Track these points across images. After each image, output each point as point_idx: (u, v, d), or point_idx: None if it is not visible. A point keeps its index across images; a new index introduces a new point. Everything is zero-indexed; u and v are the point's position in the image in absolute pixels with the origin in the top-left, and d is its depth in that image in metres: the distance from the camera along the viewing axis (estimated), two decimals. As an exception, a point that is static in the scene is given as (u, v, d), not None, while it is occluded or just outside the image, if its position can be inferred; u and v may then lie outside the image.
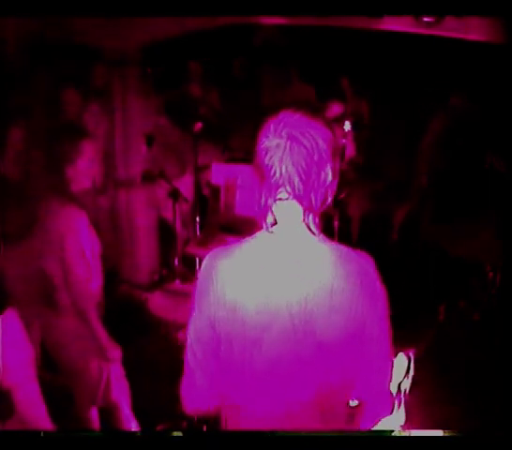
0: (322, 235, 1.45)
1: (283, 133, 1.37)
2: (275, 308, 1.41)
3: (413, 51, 5.28)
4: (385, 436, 1.63)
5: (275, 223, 1.43)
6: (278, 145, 1.38)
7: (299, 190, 1.39)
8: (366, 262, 1.46)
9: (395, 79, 5.50)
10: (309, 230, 1.43)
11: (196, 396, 1.53)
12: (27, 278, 2.65)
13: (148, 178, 4.45)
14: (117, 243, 4.58)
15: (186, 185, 4.49)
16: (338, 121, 4.63)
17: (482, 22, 3.65)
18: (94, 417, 2.76)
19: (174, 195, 4.15)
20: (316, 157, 1.38)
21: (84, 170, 2.58)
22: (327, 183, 1.42)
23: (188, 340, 1.51)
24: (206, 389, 1.51)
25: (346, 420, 1.56)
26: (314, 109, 1.44)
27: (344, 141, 3.89)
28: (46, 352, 2.69)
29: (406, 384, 3.19)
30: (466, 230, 4.15)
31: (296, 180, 1.38)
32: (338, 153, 1.45)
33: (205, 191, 4.45)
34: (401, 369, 3.28)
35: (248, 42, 6.06)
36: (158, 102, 4.90)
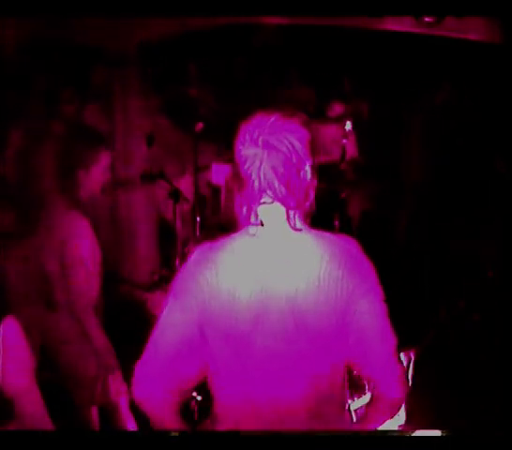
0: (305, 227, 1.48)
1: (259, 141, 1.38)
2: (266, 301, 1.42)
3: (413, 51, 5.29)
4: (385, 436, 1.63)
5: (261, 225, 1.45)
6: (255, 154, 1.39)
7: (281, 193, 1.41)
8: (349, 244, 1.51)
9: (395, 79, 5.50)
10: (294, 226, 1.45)
11: (150, 381, 1.49)
12: (26, 278, 2.65)
13: (148, 178, 4.44)
14: (117, 243, 4.58)
15: (186, 185, 4.49)
16: (339, 121, 4.63)
17: (482, 22, 3.65)
18: (93, 416, 2.76)
19: (174, 195, 4.15)
20: (295, 159, 1.40)
21: (97, 177, 2.57)
22: (308, 180, 1.45)
23: (160, 327, 1.51)
24: (161, 376, 1.49)
25: (339, 413, 1.56)
26: (288, 109, 1.44)
27: (344, 141, 3.88)
28: (45, 351, 2.69)
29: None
30: (466, 230, 4.15)
31: (277, 184, 1.40)
32: (317, 148, 1.47)
33: (205, 191, 4.45)
34: (401, 369, 3.28)
35: (248, 42, 6.06)
36: (158, 102, 4.89)
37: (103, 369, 2.60)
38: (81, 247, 2.49)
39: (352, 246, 1.51)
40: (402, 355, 3.35)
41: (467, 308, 4.17)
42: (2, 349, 1.82)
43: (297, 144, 1.40)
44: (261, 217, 1.45)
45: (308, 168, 1.44)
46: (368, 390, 1.57)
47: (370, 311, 1.48)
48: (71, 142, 2.63)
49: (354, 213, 5.49)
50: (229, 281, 1.44)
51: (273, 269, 1.44)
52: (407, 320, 4.15)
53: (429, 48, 5.00)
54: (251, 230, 1.46)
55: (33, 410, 1.93)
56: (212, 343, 1.48)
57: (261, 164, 1.39)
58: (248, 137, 1.40)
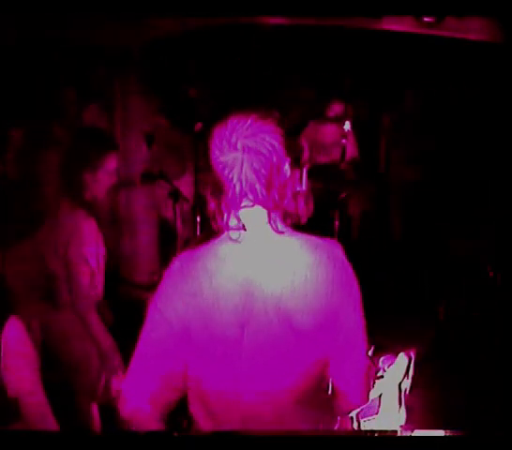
0: (288, 229, 1.47)
1: (238, 145, 1.37)
2: (251, 305, 1.42)
3: (413, 51, 5.29)
4: (386, 436, 1.63)
5: (243, 229, 1.43)
6: (234, 159, 1.38)
7: (262, 195, 1.41)
8: (335, 248, 1.48)
9: (395, 78, 5.50)
10: (276, 228, 1.44)
11: (138, 400, 1.48)
12: (29, 275, 2.66)
13: (148, 178, 4.45)
14: (117, 243, 4.58)
15: (186, 185, 4.49)
16: (339, 121, 4.63)
17: (482, 22, 3.65)
18: (94, 413, 2.76)
19: (174, 195, 4.15)
20: (275, 160, 1.40)
21: (103, 180, 2.57)
22: (287, 178, 1.45)
23: (143, 341, 1.49)
24: (148, 392, 1.48)
25: (325, 413, 1.57)
26: (262, 110, 1.43)
27: (344, 141, 3.88)
28: (47, 348, 2.69)
29: (406, 384, 3.19)
30: (466, 230, 4.15)
31: (258, 187, 1.40)
32: (291, 146, 1.47)
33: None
34: (401, 369, 3.28)
35: (248, 42, 6.06)
36: (158, 102, 4.90)
37: (106, 369, 2.60)
38: (84, 246, 2.50)
39: (337, 250, 1.49)
40: (402, 355, 3.36)
41: (467, 308, 4.17)
42: (6, 349, 1.82)
43: (276, 144, 1.40)
44: (242, 221, 1.43)
45: (287, 167, 1.45)
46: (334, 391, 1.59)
47: (354, 322, 1.48)
48: (79, 145, 2.62)
49: (354, 213, 5.49)
50: (212, 288, 1.43)
51: (258, 273, 1.43)
52: (407, 320, 4.17)
53: (429, 48, 5.00)
54: (233, 235, 1.44)
55: (37, 410, 1.93)
56: (199, 350, 1.47)
57: (242, 168, 1.37)
58: (225, 142, 1.38)
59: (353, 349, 1.50)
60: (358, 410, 1.66)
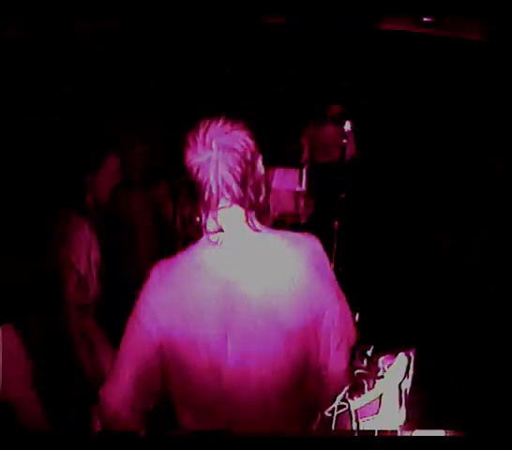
0: (264, 227, 1.47)
1: (213, 144, 1.38)
2: (234, 308, 1.42)
3: (412, 50, 5.29)
4: (386, 436, 1.63)
5: (221, 230, 1.44)
6: (209, 158, 1.38)
7: (239, 194, 1.41)
8: (313, 242, 1.50)
9: (394, 78, 5.50)
10: (254, 227, 1.44)
11: (116, 400, 1.50)
12: (30, 276, 2.65)
13: (148, 178, 4.43)
14: (117, 243, 4.57)
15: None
16: (339, 121, 4.63)
17: (480, 22, 3.65)
18: (94, 416, 2.76)
19: (175, 195, 4.14)
20: (249, 156, 1.41)
21: (104, 181, 2.57)
22: (261, 176, 1.46)
23: (123, 346, 1.52)
24: (128, 399, 1.49)
25: (314, 409, 1.57)
26: (230, 113, 1.45)
27: (344, 141, 3.88)
28: (47, 351, 2.69)
29: (406, 384, 3.19)
30: (466, 230, 4.15)
31: (235, 186, 1.40)
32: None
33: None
34: (401, 369, 3.28)
35: (247, 42, 6.06)
36: (159, 102, 4.90)
37: (103, 371, 2.60)
38: (73, 250, 2.45)
39: (316, 244, 1.50)
40: (402, 355, 3.36)
41: (467, 309, 4.17)
42: (0, 357, 1.82)
43: (249, 141, 1.42)
44: (220, 222, 1.43)
45: (260, 163, 1.46)
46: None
47: (338, 316, 1.49)
48: (79, 146, 2.60)
49: (354, 213, 5.48)
50: (194, 294, 1.43)
51: (239, 274, 1.42)
52: (407, 320, 4.17)
53: (428, 47, 5.01)
54: (213, 238, 1.44)
55: (31, 415, 1.93)
56: (183, 356, 1.46)
57: (217, 167, 1.38)
58: (199, 144, 1.39)
59: (341, 339, 1.51)
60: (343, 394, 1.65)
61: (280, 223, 4.70)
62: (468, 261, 4.15)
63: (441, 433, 1.82)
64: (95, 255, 2.56)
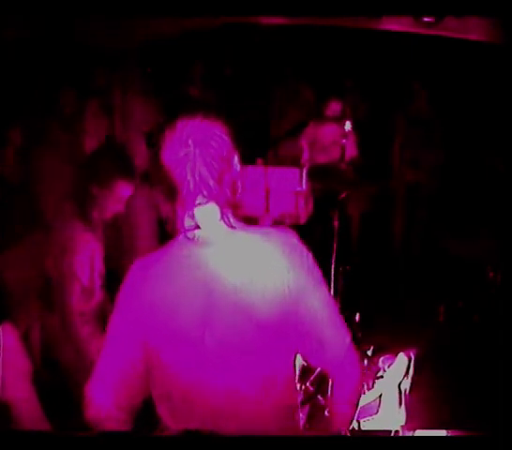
0: (240, 224, 1.49)
1: (189, 141, 1.40)
2: (212, 303, 1.43)
3: (412, 51, 5.29)
4: (387, 436, 1.63)
5: (196, 228, 1.45)
6: (186, 155, 1.40)
7: (215, 191, 1.43)
8: (288, 235, 1.51)
9: (394, 78, 5.50)
10: (229, 224, 1.46)
11: (100, 397, 1.52)
12: (26, 277, 2.65)
13: (148, 178, 4.44)
14: (117, 243, 4.57)
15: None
16: (338, 120, 4.63)
17: (482, 22, 3.65)
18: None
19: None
20: (225, 153, 1.43)
21: (110, 205, 2.46)
22: (237, 172, 1.48)
23: (106, 345, 1.53)
24: (112, 396, 1.51)
25: (292, 405, 1.58)
26: (207, 111, 1.47)
27: (344, 141, 3.87)
28: (46, 350, 2.69)
29: (406, 384, 3.19)
30: (466, 230, 4.15)
31: (211, 182, 1.42)
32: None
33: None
34: (401, 369, 3.28)
35: (247, 42, 6.06)
36: (159, 102, 4.89)
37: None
38: (75, 263, 2.40)
39: (293, 238, 1.51)
40: (402, 355, 3.36)
41: (467, 309, 4.17)
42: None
43: (225, 138, 1.43)
44: (196, 219, 1.45)
45: (236, 160, 1.48)
46: (329, 378, 1.57)
47: (321, 301, 1.49)
48: (94, 160, 2.50)
49: (354, 213, 5.48)
50: (173, 291, 1.45)
51: (216, 270, 1.44)
52: (407, 320, 4.17)
53: (429, 48, 5.00)
54: (190, 235, 1.45)
55: (30, 415, 1.93)
56: (163, 353, 1.48)
57: (194, 163, 1.40)
58: (176, 141, 1.41)
59: (332, 330, 1.50)
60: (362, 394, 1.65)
61: (280, 223, 4.71)
62: (468, 261, 4.14)
63: (440, 433, 1.82)
64: (99, 265, 2.52)
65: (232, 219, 1.47)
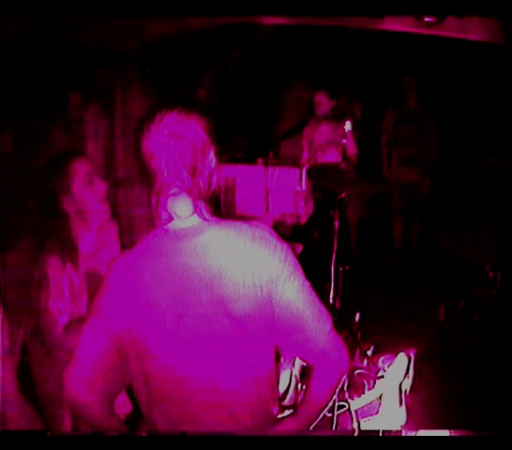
0: (213, 217, 1.51)
1: (165, 132, 1.42)
2: (187, 297, 1.44)
3: (413, 51, 5.29)
4: (388, 436, 1.63)
5: (171, 219, 1.47)
6: (162, 145, 1.42)
7: (188, 182, 1.44)
8: (260, 228, 1.52)
9: (394, 78, 5.50)
10: (202, 217, 1.48)
11: (77, 382, 1.53)
12: (18, 282, 2.61)
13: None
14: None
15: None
16: (338, 120, 4.62)
17: (482, 22, 3.64)
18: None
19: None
20: (199, 145, 1.44)
21: (83, 192, 2.23)
22: (212, 167, 1.50)
23: (83, 338, 1.54)
24: (87, 382, 1.53)
25: (272, 401, 1.58)
26: (187, 103, 1.49)
27: (344, 141, 3.87)
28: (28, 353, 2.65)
29: (406, 384, 3.19)
30: (466, 230, 4.15)
31: (185, 173, 1.44)
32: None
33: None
34: (401, 369, 3.28)
35: (247, 42, 6.06)
36: (159, 102, 4.89)
37: None
38: (53, 298, 2.15)
39: (265, 231, 1.52)
40: (403, 355, 3.36)
41: (467, 309, 4.17)
42: None
43: (201, 131, 1.45)
44: (170, 210, 1.47)
45: (212, 154, 1.49)
46: (312, 365, 1.55)
47: (298, 291, 1.50)
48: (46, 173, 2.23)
49: (354, 213, 5.48)
50: (149, 284, 1.46)
51: (190, 264, 1.45)
52: (407, 320, 4.17)
53: (430, 48, 5.00)
54: (164, 226, 1.48)
55: (22, 413, 1.93)
56: (141, 346, 1.49)
57: (169, 154, 1.42)
58: (153, 132, 1.43)
59: (314, 318, 1.50)
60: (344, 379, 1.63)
61: (280, 223, 4.71)
62: (468, 260, 4.14)
63: (440, 433, 1.82)
64: (78, 287, 2.26)
65: (205, 212, 1.49)
